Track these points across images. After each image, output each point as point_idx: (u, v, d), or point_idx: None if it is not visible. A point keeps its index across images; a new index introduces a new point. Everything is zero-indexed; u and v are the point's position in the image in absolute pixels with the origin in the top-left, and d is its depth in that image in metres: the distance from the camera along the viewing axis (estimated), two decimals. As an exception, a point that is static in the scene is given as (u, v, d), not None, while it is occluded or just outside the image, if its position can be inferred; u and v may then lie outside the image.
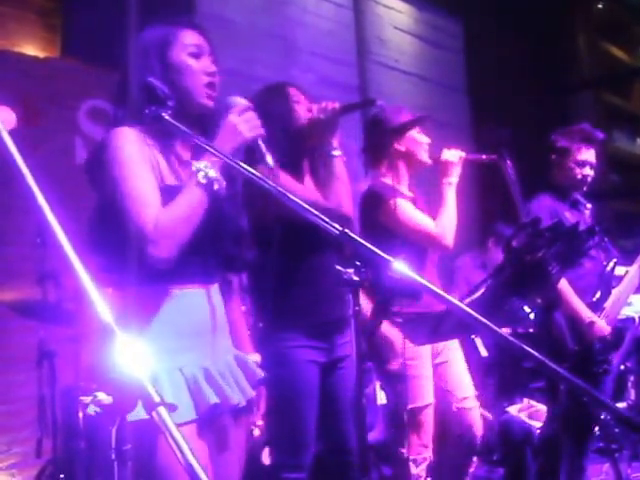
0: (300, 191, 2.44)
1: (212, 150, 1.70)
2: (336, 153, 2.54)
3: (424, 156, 3.12)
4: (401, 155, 3.10)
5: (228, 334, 2.01)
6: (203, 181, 1.77)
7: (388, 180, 3.06)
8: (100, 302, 1.06)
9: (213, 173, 1.78)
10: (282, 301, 2.51)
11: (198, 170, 1.78)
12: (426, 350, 2.96)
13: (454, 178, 3.09)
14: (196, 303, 1.88)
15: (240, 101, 1.90)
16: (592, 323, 3.24)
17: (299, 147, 2.57)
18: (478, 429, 3.07)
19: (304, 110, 2.59)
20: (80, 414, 3.04)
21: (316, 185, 2.62)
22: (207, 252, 1.89)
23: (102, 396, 0.92)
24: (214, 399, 1.79)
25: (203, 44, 1.95)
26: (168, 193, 1.79)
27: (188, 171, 1.83)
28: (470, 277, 5.22)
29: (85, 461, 3.03)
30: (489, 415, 3.18)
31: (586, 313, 3.25)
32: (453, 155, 3.10)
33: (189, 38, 1.93)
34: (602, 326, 3.26)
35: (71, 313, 3.28)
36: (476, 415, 3.09)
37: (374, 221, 3.00)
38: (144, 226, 1.73)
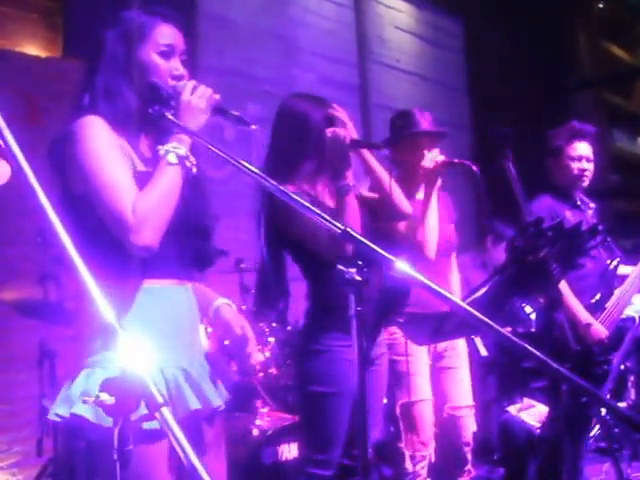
0: None
1: (215, 150, 1.69)
2: (348, 187, 2.45)
3: (424, 164, 3.07)
4: (405, 161, 3.09)
5: (201, 334, 1.98)
6: (175, 161, 1.75)
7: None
8: (102, 301, 1.05)
9: (183, 151, 1.76)
10: (318, 302, 2.53)
11: (167, 152, 1.75)
12: (421, 348, 2.96)
13: (433, 184, 2.99)
14: (176, 300, 1.84)
15: (188, 82, 1.86)
16: (589, 326, 3.23)
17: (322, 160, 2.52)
18: (467, 437, 3.07)
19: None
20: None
21: (330, 195, 2.59)
22: (182, 247, 1.86)
23: (104, 396, 0.91)
24: (195, 405, 1.75)
25: (177, 43, 1.89)
26: (140, 179, 1.75)
27: (155, 158, 1.80)
28: (470, 277, 5.21)
29: (85, 461, 3.03)
30: (474, 427, 3.17)
31: (583, 315, 3.24)
32: (429, 160, 3.00)
33: (163, 35, 1.87)
34: (599, 329, 3.25)
35: (72, 313, 3.28)
36: (467, 424, 3.08)
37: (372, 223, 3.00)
38: (122, 214, 1.68)
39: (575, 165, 3.50)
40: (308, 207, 1.45)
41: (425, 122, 3.10)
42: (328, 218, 1.38)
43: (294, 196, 1.48)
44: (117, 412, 1.01)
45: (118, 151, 1.76)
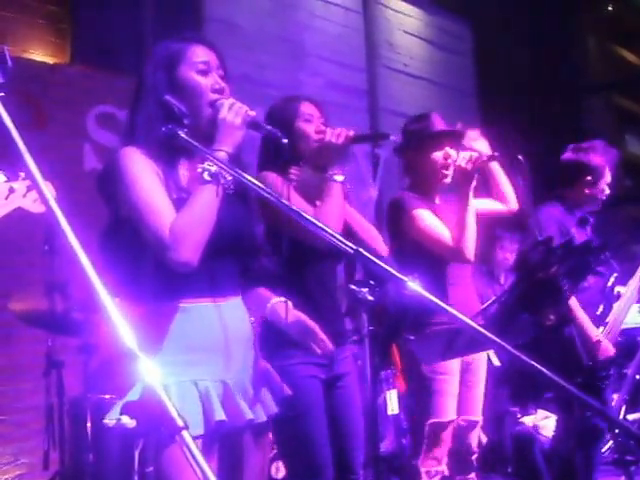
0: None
1: (227, 168, 1.69)
2: (338, 178, 2.43)
3: (460, 164, 2.97)
4: (429, 165, 3.01)
5: (252, 347, 1.98)
6: (208, 178, 1.81)
7: (414, 190, 3.02)
8: (122, 324, 1.04)
9: (214, 169, 1.81)
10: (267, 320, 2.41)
11: (203, 170, 1.82)
12: (456, 366, 2.87)
13: (469, 184, 2.89)
14: (205, 317, 1.88)
15: (226, 99, 1.91)
16: (599, 343, 3.20)
17: (291, 162, 2.50)
18: (474, 447, 3.03)
19: (313, 129, 2.54)
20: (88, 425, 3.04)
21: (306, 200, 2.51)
22: (216, 265, 1.89)
23: (126, 419, 0.91)
24: (220, 416, 1.78)
25: (212, 59, 1.97)
26: (177, 206, 1.82)
27: (194, 183, 1.86)
28: (477, 286, 5.14)
29: (93, 474, 3.01)
30: (484, 437, 3.14)
31: (594, 332, 3.21)
32: (463, 159, 2.88)
33: (198, 54, 1.96)
34: (608, 347, 3.22)
35: (79, 323, 3.26)
36: (475, 435, 3.04)
37: (397, 231, 2.97)
38: (160, 234, 1.75)
39: (605, 192, 3.43)
40: (310, 220, 1.43)
41: (439, 124, 3.05)
42: (338, 236, 1.34)
43: (294, 207, 1.47)
44: (138, 435, 1.01)
45: (155, 177, 1.84)
